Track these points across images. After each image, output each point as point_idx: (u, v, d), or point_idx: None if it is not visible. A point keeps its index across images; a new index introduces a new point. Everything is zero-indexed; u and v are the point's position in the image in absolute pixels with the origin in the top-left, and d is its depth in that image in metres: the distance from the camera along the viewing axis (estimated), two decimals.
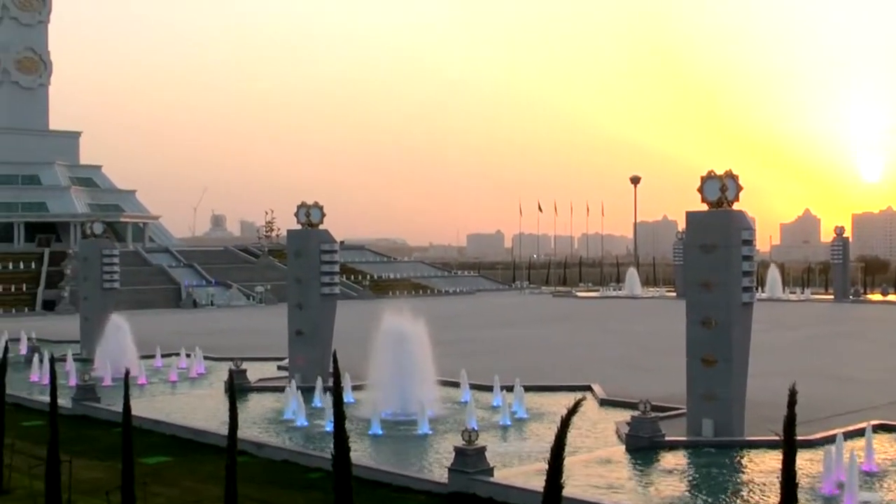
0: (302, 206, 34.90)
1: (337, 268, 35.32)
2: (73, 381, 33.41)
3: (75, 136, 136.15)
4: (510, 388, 28.69)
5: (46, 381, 25.55)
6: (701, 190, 24.23)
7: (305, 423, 26.38)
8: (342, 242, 56.09)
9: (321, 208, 35.02)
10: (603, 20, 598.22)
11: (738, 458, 22.20)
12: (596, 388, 31.31)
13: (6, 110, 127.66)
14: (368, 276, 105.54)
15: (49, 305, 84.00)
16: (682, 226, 53.23)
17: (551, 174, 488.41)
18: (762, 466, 21.13)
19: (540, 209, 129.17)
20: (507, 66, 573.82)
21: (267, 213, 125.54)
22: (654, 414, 23.37)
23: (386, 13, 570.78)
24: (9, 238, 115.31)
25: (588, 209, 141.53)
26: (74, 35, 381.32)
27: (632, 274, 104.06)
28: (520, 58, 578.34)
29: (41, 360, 36.64)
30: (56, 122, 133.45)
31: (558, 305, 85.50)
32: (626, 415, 24.66)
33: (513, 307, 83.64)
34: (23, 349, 44.34)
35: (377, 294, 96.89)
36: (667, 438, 22.99)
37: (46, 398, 19.43)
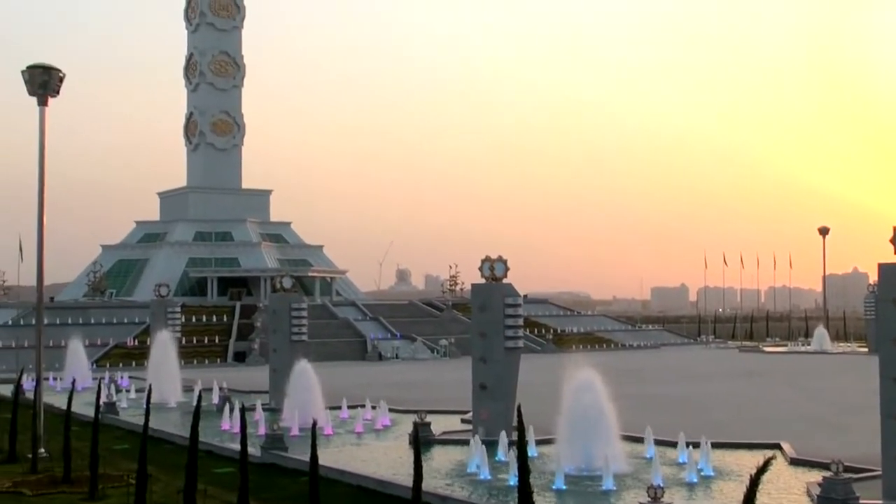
0: (486, 260, 35.05)
1: (521, 321, 35.23)
2: (262, 431, 34.13)
3: (266, 194, 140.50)
4: (696, 445, 28.06)
5: (237, 429, 26.15)
6: (894, 241, 23.36)
7: (489, 477, 26.30)
8: (525, 296, 56.00)
9: (505, 262, 35.09)
10: (789, 66, 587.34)
11: None
12: (785, 446, 30.36)
13: (202, 170, 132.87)
14: (551, 330, 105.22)
15: (240, 357, 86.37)
16: (874, 278, 51.51)
17: (736, 225, 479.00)
18: None
19: (725, 262, 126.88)
20: (690, 114, 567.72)
21: (451, 268, 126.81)
22: (847, 475, 22.46)
23: (565, 62, 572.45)
24: (203, 292, 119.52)
25: (775, 261, 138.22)
26: (266, 97, 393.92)
27: (821, 329, 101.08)
28: (703, 105, 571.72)
29: (232, 410, 37.53)
30: (248, 180, 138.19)
31: (745, 360, 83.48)
32: (817, 475, 23.82)
33: (698, 362, 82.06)
34: (215, 398, 45.57)
35: (560, 348, 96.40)
36: (861, 501, 22.09)
37: (237, 446, 19.92)
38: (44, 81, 30.93)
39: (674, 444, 29.67)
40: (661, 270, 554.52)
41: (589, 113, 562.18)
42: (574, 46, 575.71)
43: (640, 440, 30.62)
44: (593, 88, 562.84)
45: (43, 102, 31.33)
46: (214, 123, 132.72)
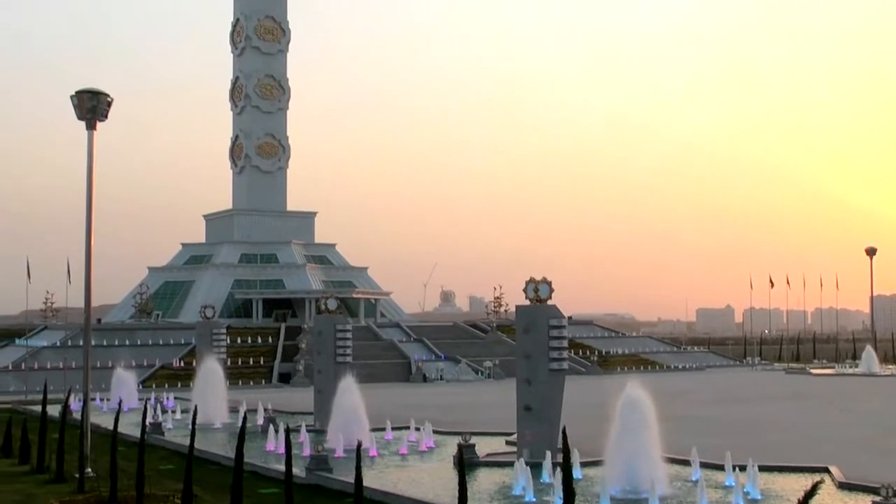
0: (530, 281, 35.02)
1: (565, 343, 35.13)
2: (306, 452, 34.21)
3: (311, 216, 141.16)
4: (743, 468, 27.83)
5: (282, 450, 26.27)
6: None
7: (534, 499, 26.21)
8: (570, 318, 55.95)
9: (549, 283, 35.04)
10: (838, 85, 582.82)
11: None
12: (834, 470, 30.03)
13: (247, 193, 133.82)
14: (596, 352, 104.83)
15: (284, 378, 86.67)
16: None
17: (782, 246, 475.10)
18: None
19: (771, 283, 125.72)
20: (736, 134, 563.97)
21: (495, 289, 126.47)
22: None
23: (610, 81, 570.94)
24: (248, 314, 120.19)
25: (822, 282, 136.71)
26: (310, 119, 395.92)
27: (869, 350, 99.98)
28: (750, 124, 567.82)
29: (277, 431, 37.67)
30: (293, 202, 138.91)
31: (791, 382, 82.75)
32: (866, 499, 23.57)
33: (744, 384, 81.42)
34: (259, 420, 45.73)
35: (605, 370, 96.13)
36: None
37: (282, 467, 20.01)
38: (92, 106, 31.28)
39: (720, 467, 29.46)
40: (707, 292, 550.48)
41: (635, 132, 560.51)
42: (620, 65, 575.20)
43: (686, 463, 30.43)
44: (639, 107, 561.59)
45: (91, 127, 31.68)
46: (260, 146, 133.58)
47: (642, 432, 27.09)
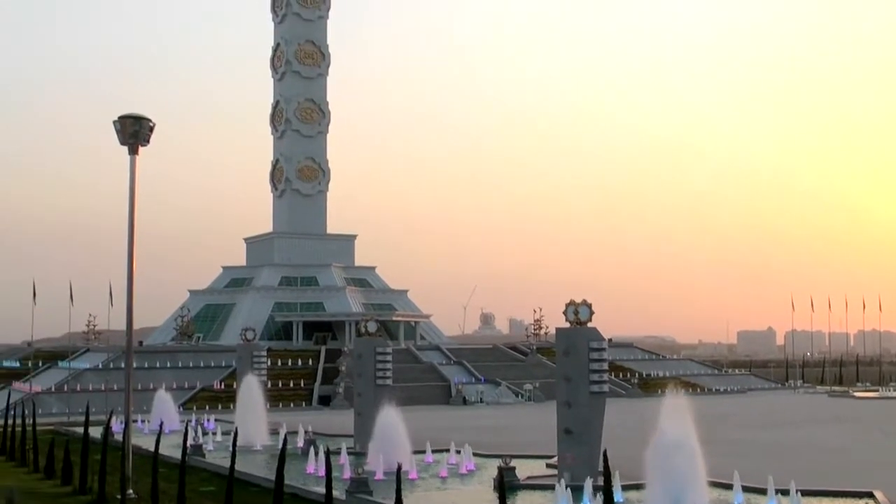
0: (570, 304, 34.97)
1: (605, 366, 35.04)
2: (346, 474, 34.22)
3: (351, 238, 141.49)
4: (785, 492, 27.61)
5: (322, 472, 26.25)
6: None
7: None
8: (610, 340, 55.84)
9: (589, 306, 34.97)
10: (881, 105, 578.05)
11: None
12: (878, 494, 29.73)
13: (287, 216, 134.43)
14: (637, 374, 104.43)
15: (325, 400, 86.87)
16: None
17: (824, 267, 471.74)
18: None
19: (813, 305, 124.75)
20: (777, 155, 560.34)
21: (535, 312, 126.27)
22: None
23: (648, 102, 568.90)
24: (288, 336, 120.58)
25: (864, 304, 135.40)
26: (350, 141, 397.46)
27: None
28: (790, 145, 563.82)
29: (317, 453, 37.73)
30: (333, 225, 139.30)
31: (834, 406, 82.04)
32: None
33: (786, 407, 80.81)
34: (300, 442, 45.84)
35: (646, 392, 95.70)
36: None
37: (322, 489, 20.05)
38: (135, 131, 31.59)
39: (762, 491, 29.24)
40: (748, 314, 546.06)
41: (677, 154, 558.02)
42: (663, 86, 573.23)
43: (728, 486, 30.22)
44: (680, 128, 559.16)
45: (134, 151, 31.98)
46: (300, 170, 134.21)
47: (684, 456, 26.92)
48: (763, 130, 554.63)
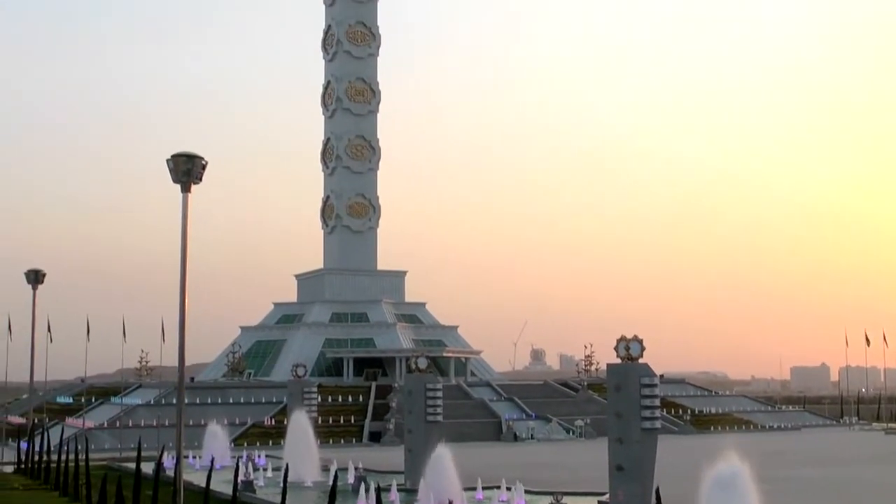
0: (621, 339, 34.80)
1: (657, 402, 34.76)
2: None
3: (401, 275, 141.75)
4: None
5: None
6: None
7: None
8: (662, 376, 55.38)
9: (640, 342, 34.77)
10: None
11: None
12: None
13: (338, 252, 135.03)
14: (689, 411, 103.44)
15: (375, 437, 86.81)
16: None
17: (878, 301, 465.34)
18: None
19: (867, 340, 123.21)
20: (832, 187, 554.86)
21: (586, 347, 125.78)
22: None
23: (703, 135, 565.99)
24: (339, 372, 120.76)
25: None
26: (400, 177, 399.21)
27: None
28: (845, 177, 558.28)
29: (368, 489, 37.63)
30: (383, 261, 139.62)
31: (891, 443, 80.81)
32: None
33: (842, 444, 79.73)
34: (350, 478, 45.78)
35: (698, 429, 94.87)
36: None
37: None
38: (187, 169, 31.79)
39: None
40: (801, 349, 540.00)
41: (729, 187, 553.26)
42: (716, 119, 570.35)
43: None
44: (734, 162, 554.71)
45: (186, 189, 32.17)
46: (350, 206, 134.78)
47: (738, 494, 26.57)
48: (819, 163, 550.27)
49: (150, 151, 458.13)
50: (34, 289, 64.17)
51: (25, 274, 63.68)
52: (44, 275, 63.54)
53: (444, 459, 39.22)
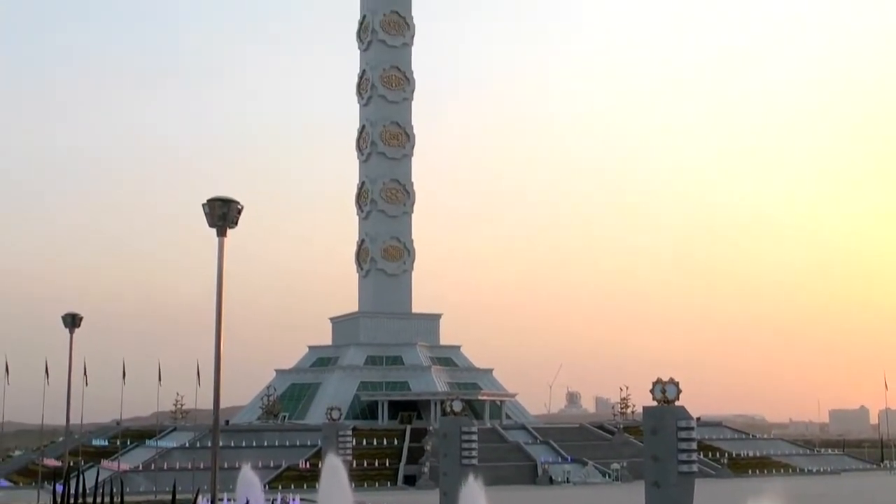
0: (657, 382, 34.64)
1: (694, 445, 34.55)
2: None
3: (436, 318, 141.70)
4: None
5: None
6: None
7: None
8: (699, 419, 55.18)
9: (677, 384, 34.60)
10: None
11: None
12: None
13: (372, 295, 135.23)
14: (726, 454, 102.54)
15: (410, 480, 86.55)
16: None
17: None
18: None
19: None
20: (867, 229, 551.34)
21: (622, 390, 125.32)
22: None
23: (741, 175, 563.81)
24: (374, 415, 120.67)
25: None
26: (435, 220, 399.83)
27: None
28: (882, 218, 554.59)
29: None
30: (418, 303, 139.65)
31: None
32: None
33: (883, 489, 78.71)
34: None
35: (735, 473, 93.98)
36: None
37: None
38: (223, 213, 31.95)
39: None
40: (839, 392, 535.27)
41: (766, 228, 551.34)
42: (746, 161, 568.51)
43: None
44: (771, 202, 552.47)
45: (222, 234, 32.31)
46: (385, 250, 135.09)
47: None
48: (858, 204, 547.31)
49: (187, 195, 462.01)
50: (71, 332, 64.37)
51: (63, 318, 63.97)
52: (81, 318, 63.70)
53: (479, 503, 39.02)
